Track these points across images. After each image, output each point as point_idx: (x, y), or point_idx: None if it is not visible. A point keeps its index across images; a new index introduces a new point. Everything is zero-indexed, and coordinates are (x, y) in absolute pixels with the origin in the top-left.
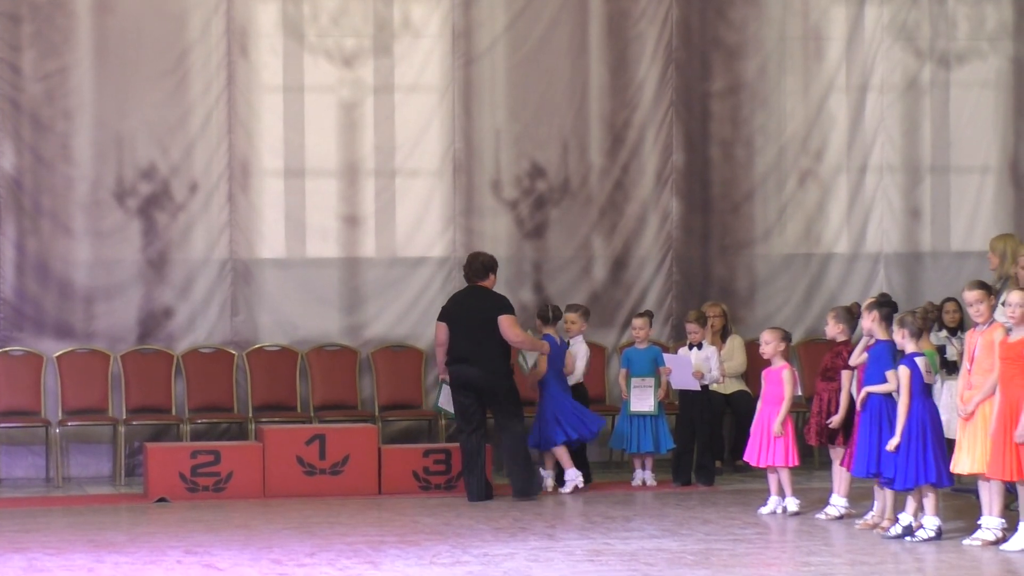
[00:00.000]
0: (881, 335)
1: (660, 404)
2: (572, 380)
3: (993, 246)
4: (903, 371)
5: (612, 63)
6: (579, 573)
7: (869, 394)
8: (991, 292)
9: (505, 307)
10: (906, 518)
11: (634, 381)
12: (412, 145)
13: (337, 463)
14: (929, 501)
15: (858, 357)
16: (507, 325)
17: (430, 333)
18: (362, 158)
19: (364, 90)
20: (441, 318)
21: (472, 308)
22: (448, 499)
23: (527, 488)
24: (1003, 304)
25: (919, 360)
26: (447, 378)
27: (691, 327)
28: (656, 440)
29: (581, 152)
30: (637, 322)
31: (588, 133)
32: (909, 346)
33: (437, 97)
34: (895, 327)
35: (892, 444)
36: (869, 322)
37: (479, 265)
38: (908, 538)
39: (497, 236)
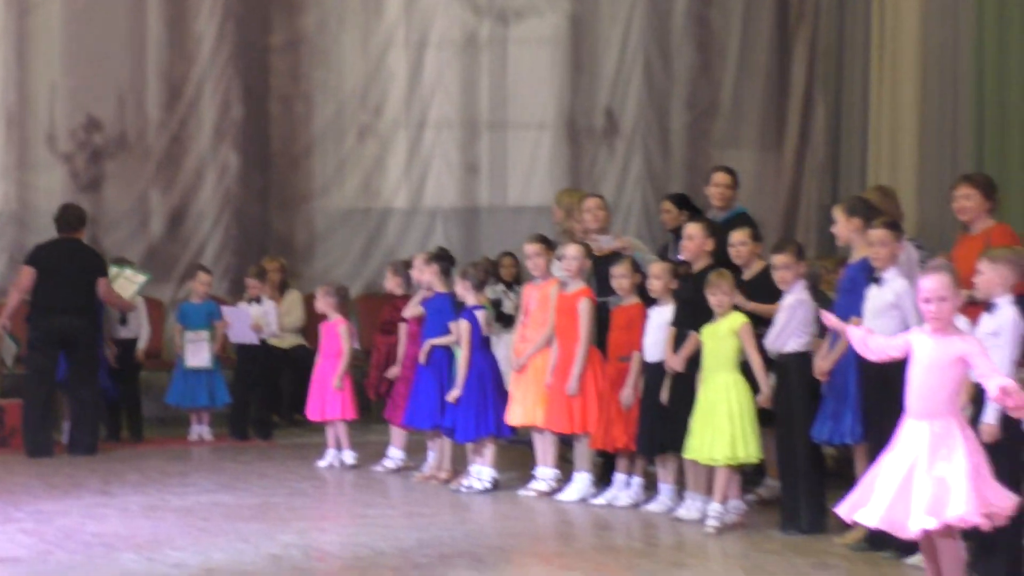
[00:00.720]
0: (440, 288)
1: (216, 358)
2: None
3: (559, 200)
4: (463, 324)
5: (170, 17)
6: (134, 529)
7: (432, 347)
8: (551, 246)
9: (104, 266)
10: (476, 470)
11: (188, 335)
12: None
13: None
14: (487, 452)
15: (412, 309)
16: (107, 286)
17: None
18: None
19: None
20: (32, 264)
21: (73, 260)
22: (0, 456)
23: (91, 445)
24: (558, 258)
25: (479, 313)
26: (8, 324)
27: (250, 282)
28: (212, 394)
29: (138, 106)
30: (202, 277)
31: (145, 87)
32: (470, 299)
33: None
34: (457, 279)
35: (452, 395)
36: (428, 275)
37: (74, 217)
38: (464, 489)
39: (51, 190)
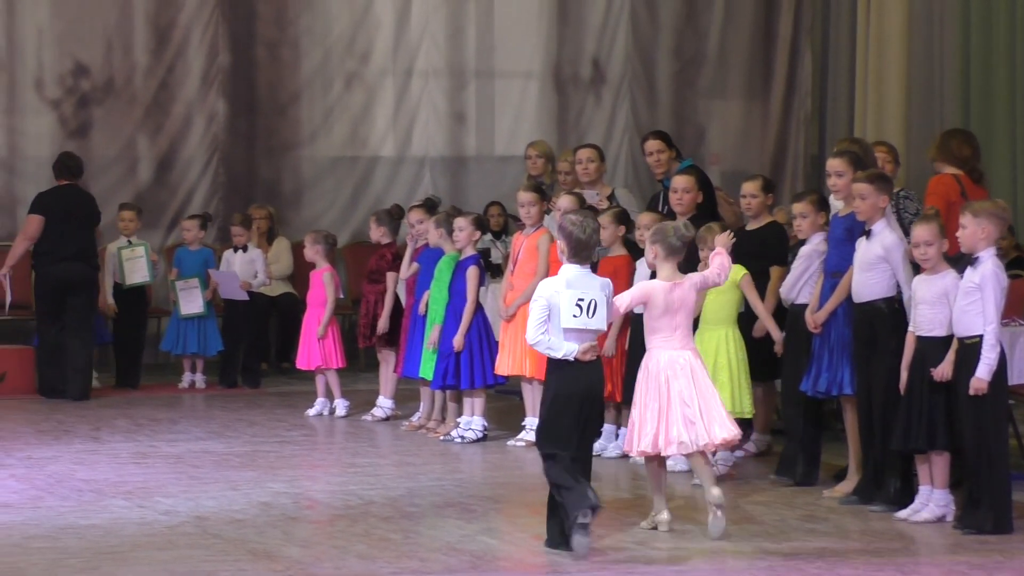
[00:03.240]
0: (441, 243)
1: (209, 305)
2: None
3: (539, 150)
4: (472, 271)
5: None
6: (124, 475)
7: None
8: (544, 196)
9: (99, 214)
10: (467, 420)
11: (179, 284)
12: None
13: None
14: (477, 402)
15: (407, 271)
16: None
17: None
18: None
19: None
20: (39, 211)
21: (79, 206)
22: None
23: (83, 391)
24: (547, 212)
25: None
26: (10, 272)
27: (235, 230)
28: (205, 342)
29: (126, 51)
30: (187, 224)
31: (133, 32)
32: (469, 249)
33: None
34: (457, 230)
35: (458, 342)
36: (430, 230)
37: (75, 164)
38: (458, 439)
39: (40, 135)
